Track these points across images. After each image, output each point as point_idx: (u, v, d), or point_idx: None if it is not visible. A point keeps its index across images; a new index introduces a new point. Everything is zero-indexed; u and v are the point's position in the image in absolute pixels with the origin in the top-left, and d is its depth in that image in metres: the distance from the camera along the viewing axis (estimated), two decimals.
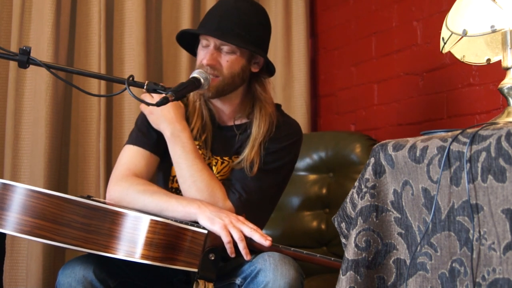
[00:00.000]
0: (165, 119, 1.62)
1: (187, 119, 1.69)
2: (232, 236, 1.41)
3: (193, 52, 1.74)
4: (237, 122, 1.72)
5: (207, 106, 1.72)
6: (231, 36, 1.60)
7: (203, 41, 1.65)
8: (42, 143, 2.20)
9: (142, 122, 1.69)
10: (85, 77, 2.24)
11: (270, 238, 1.43)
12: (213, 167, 1.68)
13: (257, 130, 1.66)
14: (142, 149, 1.65)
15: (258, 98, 1.70)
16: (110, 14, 2.41)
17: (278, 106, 1.77)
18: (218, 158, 1.69)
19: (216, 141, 1.70)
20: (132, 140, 1.68)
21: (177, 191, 1.66)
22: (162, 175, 1.74)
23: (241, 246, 1.41)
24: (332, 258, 1.45)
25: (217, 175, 1.67)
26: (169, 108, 1.62)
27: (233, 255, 1.42)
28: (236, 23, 1.61)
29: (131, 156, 1.65)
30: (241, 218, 1.48)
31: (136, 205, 1.54)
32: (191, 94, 1.71)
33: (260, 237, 1.42)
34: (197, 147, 1.67)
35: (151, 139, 1.66)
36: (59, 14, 2.27)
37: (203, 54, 1.64)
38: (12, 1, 2.26)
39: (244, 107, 1.72)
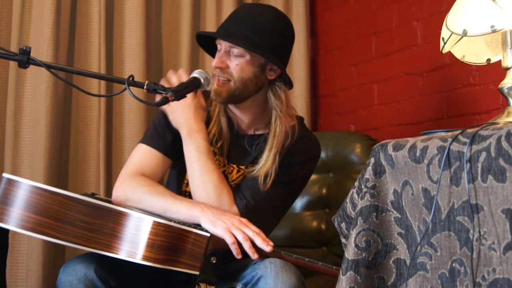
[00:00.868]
0: (184, 119, 1.61)
1: (207, 124, 1.68)
2: (235, 237, 1.41)
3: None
4: (258, 132, 1.70)
5: (226, 113, 1.70)
6: (238, 38, 1.58)
7: (218, 46, 1.64)
8: (42, 143, 2.20)
9: (159, 122, 1.69)
10: (85, 77, 2.24)
11: (271, 244, 1.43)
12: (229, 175, 1.68)
13: (272, 141, 1.63)
14: (154, 150, 1.65)
15: (273, 107, 1.66)
16: (110, 14, 2.41)
17: (300, 120, 1.75)
18: (235, 166, 1.68)
19: (233, 149, 1.69)
20: (146, 140, 1.67)
21: (189, 195, 1.65)
22: (176, 178, 1.74)
23: (246, 246, 1.41)
24: (334, 267, 1.43)
25: (232, 183, 1.66)
26: (189, 108, 1.62)
27: (239, 256, 1.42)
28: (246, 27, 1.59)
29: (143, 156, 1.65)
30: (244, 220, 1.48)
31: (140, 205, 1.54)
32: (213, 101, 1.69)
33: (262, 242, 1.42)
34: (213, 152, 1.66)
35: (165, 141, 1.66)
36: (59, 14, 2.27)
37: (215, 58, 1.64)
38: (12, 1, 2.26)
39: (264, 118, 1.69)
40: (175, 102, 1.51)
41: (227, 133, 1.69)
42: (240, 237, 1.41)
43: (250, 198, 1.59)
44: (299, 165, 1.67)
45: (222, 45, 1.62)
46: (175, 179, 1.75)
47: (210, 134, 1.66)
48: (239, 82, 1.60)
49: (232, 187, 1.64)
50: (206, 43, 1.73)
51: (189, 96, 1.56)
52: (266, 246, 1.41)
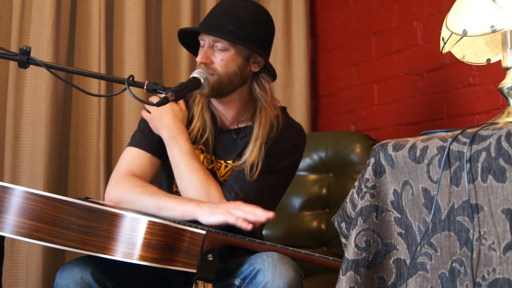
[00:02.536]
0: (164, 124, 1.64)
1: (190, 122, 1.69)
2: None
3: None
4: (241, 125, 1.71)
5: (209, 109, 1.71)
6: (222, 31, 1.59)
7: (200, 42, 1.65)
8: (42, 143, 2.20)
9: (145, 124, 1.70)
10: (85, 77, 2.24)
11: (272, 212, 1.47)
12: (217, 171, 1.68)
13: (257, 132, 1.65)
14: (143, 151, 1.66)
15: (258, 99, 1.68)
16: (110, 14, 2.41)
17: (283, 109, 1.76)
18: (222, 162, 1.69)
19: (219, 145, 1.70)
20: (134, 142, 1.69)
21: (180, 195, 1.66)
22: (166, 179, 1.75)
23: (251, 217, 1.45)
24: (331, 258, 1.44)
25: (221, 179, 1.67)
26: (167, 113, 1.64)
27: (250, 226, 1.45)
28: (229, 20, 1.61)
29: (132, 158, 1.66)
30: (238, 202, 1.51)
31: (135, 205, 1.55)
32: (196, 98, 1.71)
33: (263, 211, 1.46)
34: (199, 151, 1.67)
35: (153, 141, 1.67)
36: (59, 14, 2.27)
37: (199, 54, 1.64)
38: (12, 1, 2.26)
39: (248, 110, 1.71)
40: (154, 110, 1.53)
41: (211, 129, 1.70)
42: (241, 214, 1.44)
43: (239, 191, 1.60)
44: (285, 153, 1.68)
45: (206, 40, 1.63)
46: (165, 182, 1.76)
47: (194, 130, 1.68)
48: (224, 76, 1.62)
49: (221, 182, 1.65)
50: (187, 40, 1.74)
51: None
52: (268, 213, 1.46)
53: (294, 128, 1.74)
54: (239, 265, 1.46)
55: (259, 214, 1.46)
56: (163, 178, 1.77)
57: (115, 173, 1.64)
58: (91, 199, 1.67)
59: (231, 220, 1.44)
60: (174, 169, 1.62)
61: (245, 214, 1.45)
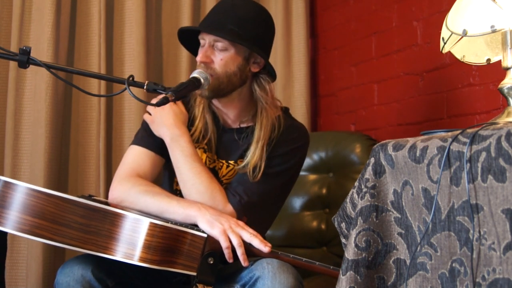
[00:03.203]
0: (165, 126, 1.62)
1: (192, 122, 1.68)
2: (231, 242, 1.41)
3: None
4: (243, 125, 1.70)
5: (210, 109, 1.70)
6: (223, 31, 1.58)
7: (201, 41, 1.64)
8: (42, 143, 2.20)
9: None
10: (85, 77, 2.24)
11: (269, 245, 1.43)
12: (219, 171, 1.68)
13: (259, 133, 1.63)
14: (146, 149, 1.65)
15: (258, 99, 1.67)
16: (110, 14, 2.41)
17: (285, 110, 1.76)
18: (224, 161, 1.68)
19: (220, 145, 1.69)
20: (138, 141, 1.68)
21: (180, 194, 1.65)
22: (168, 177, 1.74)
23: (239, 252, 1.41)
24: (331, 267, 1.43)
25: (223, 179, 1.66)
26: (168, 115, 1.62)
27: (231, 261, 1.42)
28: (230, 19, 1.60)
29: (136, 156, 1.65)
30: (241, 223, 1.48)
31: (137, 206, 1.54)
32: (197, 98, 1.71)
33: (260, 243, 1.42)
34: (201, 150, 1.66)
35: (156, 140, 1.65)
36: (59, 14, 2.27)
37: (199, 53, 1.64)
38: (12, 1, 2.26)
39: (249, 110, 1.70)
40: (155, 111, 1.53)
41: (213, 129, 1.69)
42: (235, 242, 1.41)
43: (243, 194, 1.59)
44: (288, 155, 1.67)
45: (206, 39, 1.62)
46: (167, 179, 1.75)
47: (196, 131, 1.66)
48: (224, 76, 1.60)
49: (222, 183, 1.64)
50: (187, 39, 1.73)
51: (168, 104, 1.54)
52: (264, 247, 1.41)
53: (297, 128, 1.73)
54: (238, 270, 1.46)
55: (257, 245, 1.42)
56: (165, 175, 1.77)
57: (118, 172, 1.64)
58: (95, 197, 1.67)
59: (222, 244, 1.40)
60: (177, 172, 1.60)
61: (238, 245, 1.41)
